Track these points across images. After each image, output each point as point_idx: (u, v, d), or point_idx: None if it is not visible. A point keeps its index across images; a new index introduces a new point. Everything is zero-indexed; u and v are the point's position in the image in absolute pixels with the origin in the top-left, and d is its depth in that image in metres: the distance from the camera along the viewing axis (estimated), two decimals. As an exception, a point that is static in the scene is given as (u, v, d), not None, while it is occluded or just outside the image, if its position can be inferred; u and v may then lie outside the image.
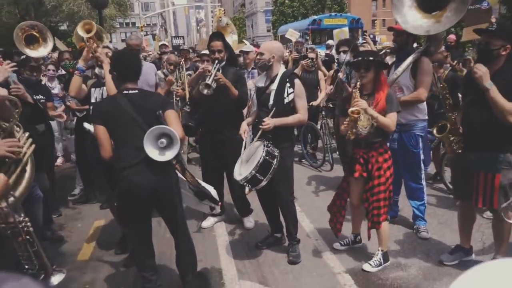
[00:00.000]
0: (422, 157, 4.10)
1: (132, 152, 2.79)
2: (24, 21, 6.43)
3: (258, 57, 3.70)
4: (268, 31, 55.72)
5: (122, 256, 3.96)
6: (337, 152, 6.70)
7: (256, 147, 3.56)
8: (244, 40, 12.45)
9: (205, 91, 3.87)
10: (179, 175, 3.12)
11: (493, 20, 6.85)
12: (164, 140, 2.69)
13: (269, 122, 3.47)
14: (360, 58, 3.38)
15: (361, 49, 5.72)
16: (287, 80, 3.59)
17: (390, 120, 3.30)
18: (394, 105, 3.37)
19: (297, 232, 3.86)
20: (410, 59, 3.84)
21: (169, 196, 2.95)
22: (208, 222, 4.60)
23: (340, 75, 5.38)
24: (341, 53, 5.62)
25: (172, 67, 5.77)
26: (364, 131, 3.35)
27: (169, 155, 2.72)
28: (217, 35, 4.32)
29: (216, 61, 4.03)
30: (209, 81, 3.88)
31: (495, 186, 3.11)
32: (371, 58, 3.32)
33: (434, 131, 3.42)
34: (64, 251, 4.25)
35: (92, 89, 3.94)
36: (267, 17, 59.20)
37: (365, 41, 6.10)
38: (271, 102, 3.62)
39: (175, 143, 2.71)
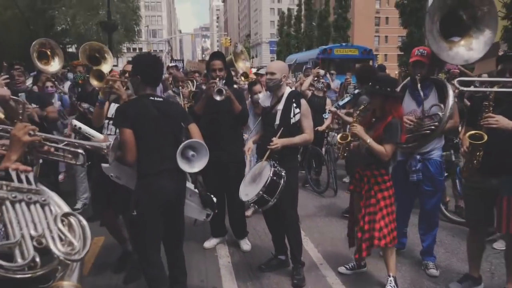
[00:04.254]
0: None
1: (159, 159, 2.85)
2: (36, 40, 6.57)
3: (269, 77, 3.62)
4: (272, 61, 56.68)
5: (121, 275, 3.86)
6: (344, 180, 6.64)
7: (263, 167, 3.51)
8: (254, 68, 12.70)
9: (218, 98, 3.82)
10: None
11: (501, 53, 6.90)
12: (194, 153, 2.84)
13: (277, 142, 3.46)
14: (374, 86, 3.38)
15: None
16: (293, 100, 3.60)
17: (383, 149, 3.25)
18: (393, 136, 3.27)
19: (301, 255, 3.78)
20: (450, 92, 3.70)
21: (183, 203, 3.06)
22: (210, 242, 4.50)
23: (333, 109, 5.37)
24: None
25: (180, 83, 5.95)
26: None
27: (198, 166, 2.87)
28: (217, 54, 4.31)
29: (218, 79, 4.02)
30: (220, 86, 3.83)
31: None
32: (382, 88, 3.31)
33: (467, 137, 3.10)
34: (61, 267, 4.13)
35: (112, 104, 3.72)
36: (272, 48, 60.36)
37: None
38: (277, 122, 3.61)
39: (204, 156, 2.86)
